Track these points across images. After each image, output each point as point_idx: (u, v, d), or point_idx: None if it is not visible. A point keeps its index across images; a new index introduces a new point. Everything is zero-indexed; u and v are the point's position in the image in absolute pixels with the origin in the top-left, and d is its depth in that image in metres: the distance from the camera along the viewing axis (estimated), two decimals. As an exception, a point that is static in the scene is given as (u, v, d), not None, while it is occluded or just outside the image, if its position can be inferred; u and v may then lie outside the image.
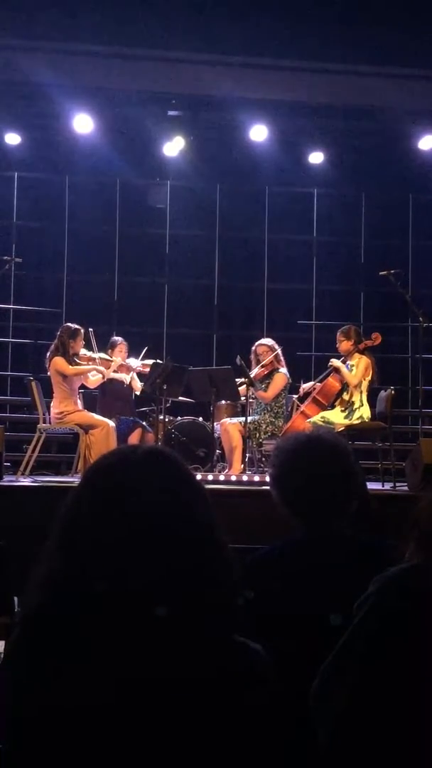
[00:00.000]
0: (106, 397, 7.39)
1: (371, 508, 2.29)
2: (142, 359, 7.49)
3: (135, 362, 7.49)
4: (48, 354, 6.93)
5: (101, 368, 7.11)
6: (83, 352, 7.05)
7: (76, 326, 7.00)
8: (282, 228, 9.82)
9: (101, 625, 1.29)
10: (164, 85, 8.23)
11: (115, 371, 7.31)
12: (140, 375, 7.46)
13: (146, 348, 7.63)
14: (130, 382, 7.45)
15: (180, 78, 8.11)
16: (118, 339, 7.58)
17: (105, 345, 7.57)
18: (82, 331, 7.01)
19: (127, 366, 7.43)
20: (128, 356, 7.53)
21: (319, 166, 9.19)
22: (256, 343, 7.38)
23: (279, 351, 7.23)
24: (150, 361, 7.35)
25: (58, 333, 6.96)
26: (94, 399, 7.50)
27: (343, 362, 6.98)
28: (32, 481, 6.47)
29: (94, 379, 7.18)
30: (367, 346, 6.93)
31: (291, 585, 1.99)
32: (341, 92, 8.24)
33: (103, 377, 7.16)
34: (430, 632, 1.55)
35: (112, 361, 7.26)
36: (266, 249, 9.83)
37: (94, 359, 7.09)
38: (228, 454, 6.91)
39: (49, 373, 6.90)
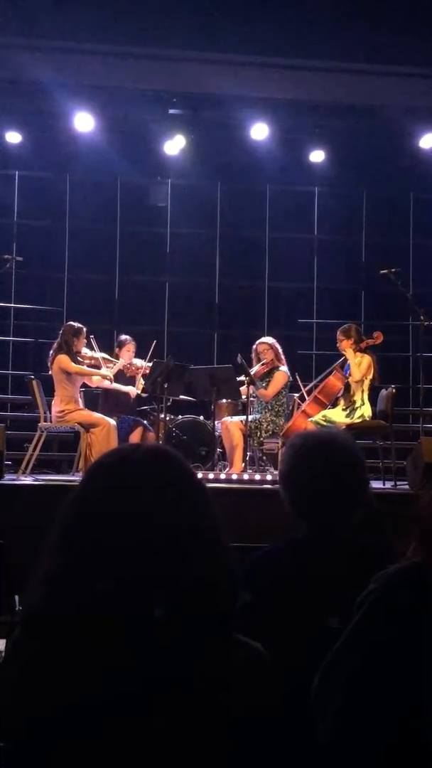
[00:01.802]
0: (109, 396, 7.38)
1: (373, 508, 2.28)
2: (150, 358, 7.44)
3: (140, 363, 7.46)
4: (51, 352, 6.93)
5: (105, 373, 7.06)
6: (85, 350, 7.05)
7: (79, 325, 7.00)
8: (283, 226, 9.81)
9: (102, 624, 1.29)
10: (165, 83, 8.22)
11: (121, 369, 7.29)
12: (145, 376, 7.43)
13: (155, 342, 7.54)
14: (135, 383, 7.41)
15: (181, 76, 8.10)
16: (127, 338, 7.53)
17: (105, 344, 7.55)
18: (85, 330, 7.01)
19: (134, 366, 7.40)
20: (135, 355, 7.51)
21: (320, 165, 9.18)
22: (257, 342, 7.38)
23: (279, 349, 7.24)
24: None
25: (61, 331, 6.97)
26: (95, 398, 7.49)
27: (343, 361, 6.98)
28: (33, 480, 6.47)
29: (96, 379, 7.17)
30: (368, 344, 6.93)
31: (292, 584, 1.99)
32: (342, 91, 8.24)
33: (111, 382, 7.12)
34: (431, 630, 1.55)
35: (113, 360, 7.23)
36: (267, 247, 9.83)
37: (96, 358, 7.08)
38: (229, 452, 6.91)
39: (50, 372, 6.91)
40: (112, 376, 7.12)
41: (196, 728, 1.28)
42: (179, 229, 9.77)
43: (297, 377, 7.25)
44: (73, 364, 6.81)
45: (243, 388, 6.96)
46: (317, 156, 9.05)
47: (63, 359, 6.78)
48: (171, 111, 8.64)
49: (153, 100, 8.49)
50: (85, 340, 7.03)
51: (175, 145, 8.76)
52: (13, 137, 8.71)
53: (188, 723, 1.28)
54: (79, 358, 6.93)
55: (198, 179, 9.55)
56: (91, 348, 7.17)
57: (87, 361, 7.02)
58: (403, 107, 8.46)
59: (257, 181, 9.58)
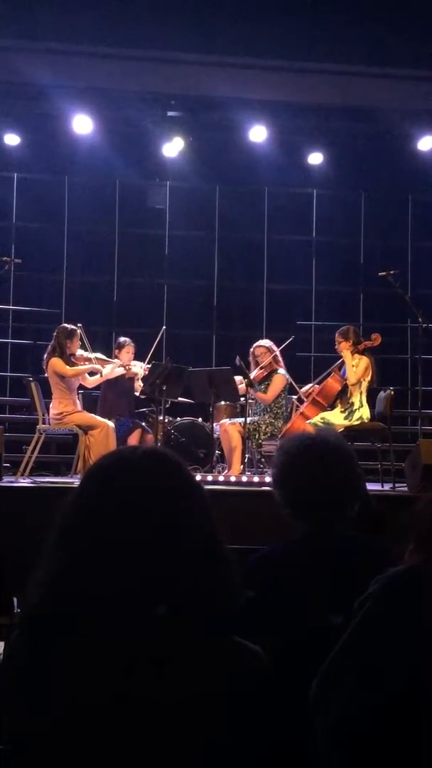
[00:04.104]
0: (110, 395, 7.35)
1: (372, 509, 2.29)
2: (149, 362, 7.43)
3: (140, 365, 7.44)
4: (45, 355, 6.92)
5: (98, 367, 7.09)
6: (80, 352, 7.04)
7: (72, 326, 6.99)
8: (281, 228, 9.82)
9: (100, 625, 1.29)
10: (163, 85, 8.23)
11: (124, 368, 7.28)
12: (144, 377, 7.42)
13: (163, 328, 7.48)
14: (134, 384, 7.40)
15: (179, 79, 8.11)
16: (126, 340, 7.52)
17: (103, 345, 7.54)
18: (79, 331, 7.00)
19: (131, 368, 7.39)
20: (134, 357, 7.50)
21: (318, 167, 9.19)
22: (254, 345, 7.37)
23: (277, 351, 7.23)
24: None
25: (55, 334, 6.96)
26: (93, 400, 7.49)
27: (341, 363, 6.98)
28: (31, 482, 6.47)
29: (92, 380, 7.17)
30: (366, 346, 6.93)
31: (291, 586, 1.99)
32: (340, 93, 8.25)
33: (101, 375, 7.12)
34: (430, 632, 1.55)
35: (108, 360, 7.22)
36: (265, 249, 9.84)
37: (90, 359, 7.07)
38: (227, 454, 6.91)
39: (46, 375, 6.90)
40: (101, 368, 7.09)
41: (194, 729, 1.28)
42: (178, 232, 9.77)
43: (293, 380, 7.25)
44: (67, 367, 6.80)
45: (241, 387, 6.93)
46: (316, 158, 9.06)
47: (57, 363, 6.78)
48: (169, 113, 8.65)
49: (151, 102, 8.51)
50: (79, 342, 7.02)
51: (173, 148, 8.77)
52: (12, 139, 8.72)
53: (186, 724, 1.28)
54: (73, 360, 6.92)
55: (196, 181, 9.56)
56: (84, 347, 7.15)
57: (81, 363, 7.01)
58: (401, 109, 8.48)
59: (256, 183, 9.59)
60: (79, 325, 7.08)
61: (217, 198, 9.75)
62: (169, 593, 1.31)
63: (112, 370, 7.16)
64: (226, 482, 6.36)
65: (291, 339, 7.40)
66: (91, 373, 7.14)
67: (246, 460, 6.95)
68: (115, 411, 7.24)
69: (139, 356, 7.54)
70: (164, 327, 7.57)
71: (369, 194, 9.82)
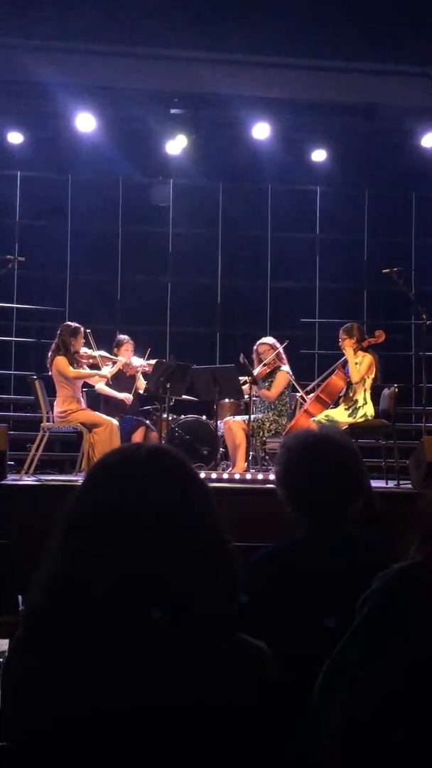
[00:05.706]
0: (110, 397, 7.38)
1: (375, 507, 2.29)
2: (147, 359, 7.47)
3: (139, 361, 7.47)
4: (49, 354, 6.93)
5: (103, 373, 7.09)
6: (83, 350, 7.05)
7: (76, 324, 7.00)
8: (285, 226, 9.80)
9: (104, 623, 1.29)
10: (167, 83, 8.22)
11: (120, 369, 7.31)
12: (144, 374, 7.45)
13: (149, 350, 7.59)
14: (134, 390, 7.40)
15: (182, 76, 8.10)
16: (125, 338, 7.55)
17: (107, 343, 7.56)
18: (82, 329, 7.01)
19: (131, 366, 7.41)
20: (133, 355, 7.52)
21: (321, 164, 9.18)
22: (258, 342, 7.38)
23: (280, 349, 7.23)
24: (154, 361, 7.35)
25: (58, 332, 6.96)
26: (97, 397, 7.50)
27: (345, 361, 6.97)
28: (36, 480, 6.48)
29: (96, 378, 7.18)
30: (370, 343, 6.93)
31: (294, 583, 2.00)
32: (344, 90, 8.23)
33: (107, 380, 7.14)
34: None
35: (112, 358, 7.24)
36: (269, 247, 9.82)
37: (94, 357, 7.08)
38: (231, 452, 6.91)
39: (51, 373, 6.91)
40: (109, 376, 7.11)
41: (197, 726, 1.28)
42: (181, 229, 9.77)
43: (294, 379, 7.25)
44: (70, 368, 6.80)
45: (245, 387, 6.95)
46: (319, 155, 9.05)
47: (61, 362, 6.79)
48: (172, 111, 8.64)
49: (154, 99, 8.50)
50: (83, 340, 7.03)
51: (176, 145, 8.76)
52: (16, 138, 8.72)
53: (189, 721, 1.28)
54: (77, 358, 6.93)
55: (200, 179, 9.55)
56: (89, 345, 7.17)
57: (85, 361, 7.03)
58: (405, 106, 8.46)
59: (259, 181, 9.58)
60: (88, 331, 7.10)
61: (221, 195, 9.74)
62: (173, 590, 1.31)
63: (115, 369, 7.19)
64: (231, 480, 6.36)
65: (286, 342, 7.35)
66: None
67: (250, 458, 6.95)
68: (119, 409, 7.25)
69: (137, 355, 7.55)
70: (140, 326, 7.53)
71: (372, 191, 9.80)
